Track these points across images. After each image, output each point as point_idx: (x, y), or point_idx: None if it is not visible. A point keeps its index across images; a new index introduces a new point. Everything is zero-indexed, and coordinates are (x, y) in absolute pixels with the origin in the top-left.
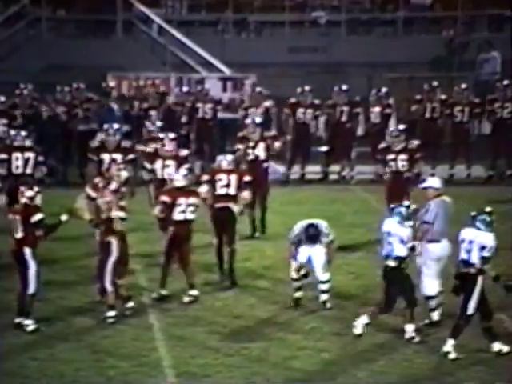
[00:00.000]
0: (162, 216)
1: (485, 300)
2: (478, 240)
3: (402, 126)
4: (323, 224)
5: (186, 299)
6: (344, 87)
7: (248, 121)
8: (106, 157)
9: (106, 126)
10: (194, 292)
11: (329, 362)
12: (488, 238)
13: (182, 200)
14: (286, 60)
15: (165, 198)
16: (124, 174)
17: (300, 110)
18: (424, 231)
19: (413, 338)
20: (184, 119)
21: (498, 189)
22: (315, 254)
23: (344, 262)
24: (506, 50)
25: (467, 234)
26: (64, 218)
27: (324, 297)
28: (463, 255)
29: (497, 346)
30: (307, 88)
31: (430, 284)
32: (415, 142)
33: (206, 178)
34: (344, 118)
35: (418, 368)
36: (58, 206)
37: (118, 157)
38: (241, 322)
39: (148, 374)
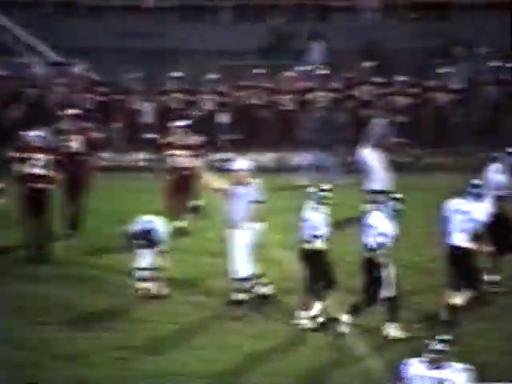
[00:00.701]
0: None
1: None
2: (381, 226)
3: (184, 122)
4: (161, 226)
5: None
6: (177, 74)
7: (66, 112)
8: None
9: None
10: None
11: (160, 347)
12: (388, 225)
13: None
14: (118, 45)
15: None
16: None
17: (132, 97)
18: (257, 211)
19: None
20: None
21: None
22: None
23: (176, 250)
24: (332, 39)
25: (373, 219)
26: None
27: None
28: (369, 240)
29: (389, 328)
30: (138, 74)
31: (245, 265)
32: (199, 138)
33: (16, 155)
34: (176, 105)
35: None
36: None
37: None
38: (73, 311)
39: None
